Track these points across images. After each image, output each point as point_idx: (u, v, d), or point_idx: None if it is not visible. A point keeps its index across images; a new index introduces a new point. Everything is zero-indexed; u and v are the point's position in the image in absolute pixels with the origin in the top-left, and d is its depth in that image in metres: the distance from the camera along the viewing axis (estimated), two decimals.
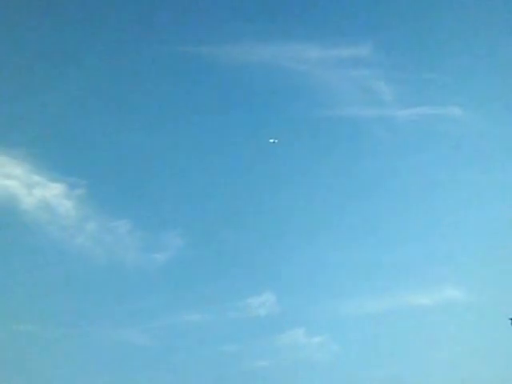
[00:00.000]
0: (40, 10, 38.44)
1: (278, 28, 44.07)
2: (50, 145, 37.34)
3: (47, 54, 38.31)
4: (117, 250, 36.84)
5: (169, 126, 42.03)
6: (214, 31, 43.67)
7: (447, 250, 39.22)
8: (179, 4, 42.44)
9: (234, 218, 40.80)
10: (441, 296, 35.98)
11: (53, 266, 34.22)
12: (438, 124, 44.28)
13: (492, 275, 36.57)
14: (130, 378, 30.20)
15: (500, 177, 42.21)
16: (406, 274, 37.93)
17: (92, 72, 39.23)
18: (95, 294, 33.96)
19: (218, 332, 35.00)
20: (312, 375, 32.44)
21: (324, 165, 42.47)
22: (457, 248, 39.52)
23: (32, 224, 34.24)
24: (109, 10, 39.87)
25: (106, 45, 40.59)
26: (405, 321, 35.33)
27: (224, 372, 32.72)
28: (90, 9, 39.23)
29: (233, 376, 32.35)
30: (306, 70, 44.47)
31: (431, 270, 37.40)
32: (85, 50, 39.54)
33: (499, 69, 45.48)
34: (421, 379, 31.61)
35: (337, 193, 41.99)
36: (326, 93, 43.56)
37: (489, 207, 41.01)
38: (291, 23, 44.54)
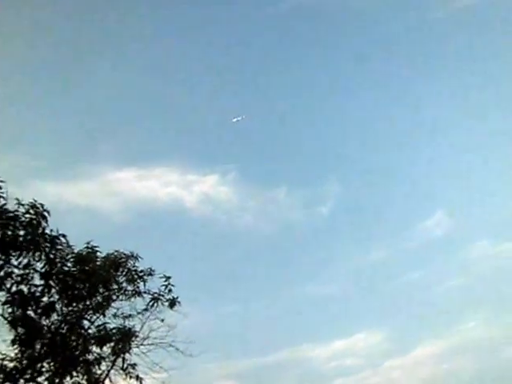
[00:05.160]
0: None
1: None
2: (193, 144, 39.47)
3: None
4: (281, 215, 37.27)
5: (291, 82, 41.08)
6: None
7: None
8: None
9: (386, 151, 39.02)
10: None
11: (228, 248, 36.21)
12: None
13: None
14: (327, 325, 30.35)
15: None
16: None
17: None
18: (273, 261, 34.77)
19: (398, 263, 33.76)
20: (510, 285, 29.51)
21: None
22: None
23: (199, 218, 36.79)
24: None
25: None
26: None
27: (414, 300, 31.37)
28: None
29: (425, 302, 30.72)
30: None
31: None
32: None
33: None
34: None
35: None
36: None
37: None
38: None
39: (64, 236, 12.22)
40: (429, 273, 32.03)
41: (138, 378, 12.85)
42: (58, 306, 12.37)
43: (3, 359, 11.73)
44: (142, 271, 13.52)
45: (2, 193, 11.53)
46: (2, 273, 11.53)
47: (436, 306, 29.95)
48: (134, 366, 12.99)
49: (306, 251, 34.93)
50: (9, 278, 11.61)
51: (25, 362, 11.79)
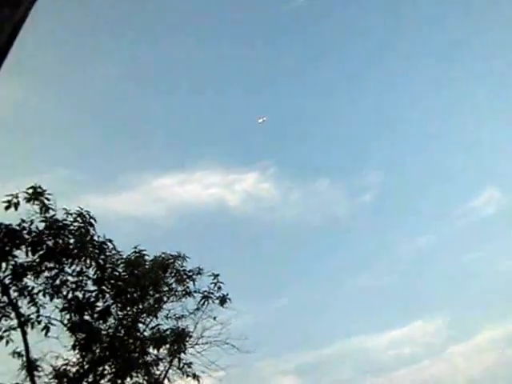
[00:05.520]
0: None
1: None
2: (230, 144, 39.53)
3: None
4: (325, 207, 36.69)
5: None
6: None
7: None
8: None
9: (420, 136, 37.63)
10: None
11: (274, 243, 36.32)
12: None
13: None
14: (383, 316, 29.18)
15: None
16: None
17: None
18: (320, 254, 34.37)
19: (450, 246, 32.22)
20: None
21: None
22: None
23: (242, 215, 36.89)
24: None
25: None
26: None
27: (471, 283, 30.00)
28: None
29: (482, 285, 29.31)
30: None
31: None
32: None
33: None
34: None
35: None
36: None
37: None
38: None
39: (110, 241, 12.58)
40: (484, 254, 30.52)
41: (194, 376, 13.01)
42: (113, 310, 12.71)
43: (66, 364, 12.23)
44: (190, 271, 13.71)
45: (50, 204, 11.98)
46: (57, 281, 12.02)
47: (495, 288, 28.41)
48: (189, 364, 13.16)
49: (354, 241, 34.24)
50: (64, 286, 12.10)
51: (86, 366, 12.21)
